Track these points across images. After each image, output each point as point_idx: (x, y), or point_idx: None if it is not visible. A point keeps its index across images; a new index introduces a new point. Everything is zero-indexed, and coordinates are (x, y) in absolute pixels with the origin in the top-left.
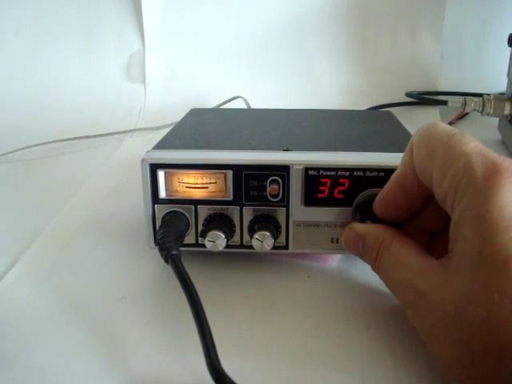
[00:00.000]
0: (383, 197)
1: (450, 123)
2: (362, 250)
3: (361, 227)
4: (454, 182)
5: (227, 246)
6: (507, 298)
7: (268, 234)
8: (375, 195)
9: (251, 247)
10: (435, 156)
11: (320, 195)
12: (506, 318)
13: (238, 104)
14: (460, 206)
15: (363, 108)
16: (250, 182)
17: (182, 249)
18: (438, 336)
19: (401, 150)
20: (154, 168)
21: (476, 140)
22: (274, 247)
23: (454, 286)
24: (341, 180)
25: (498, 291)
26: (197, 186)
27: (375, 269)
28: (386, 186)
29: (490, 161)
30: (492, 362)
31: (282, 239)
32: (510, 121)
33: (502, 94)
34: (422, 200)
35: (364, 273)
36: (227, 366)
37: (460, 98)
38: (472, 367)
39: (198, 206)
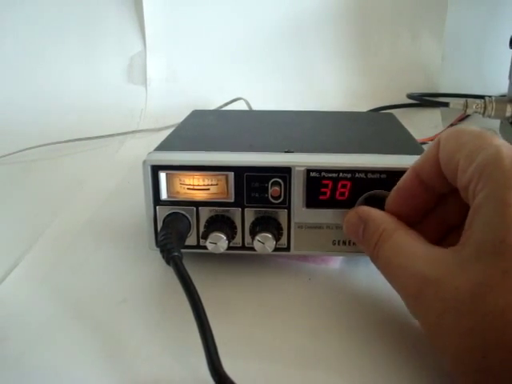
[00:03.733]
0: (399, 186)
1: (451, 125)
2: (361, 235)
3: (364, 212)
4: (480, 167)
5: (229, 248)
6: None
7: (269, 235)
8: (378, 195)
9: (253, 249)
10: (465, 146)
11: (322, 197)
12: None
13: (240, 106)
14: (484, 191)
15: (364, 110)
16: (251, 183)
17: (183, 250)
18: (446, 326)
19: (403, 152)
20: (156, 169)
21: None
22: (276, 249)
23: (470, 274)
24: (342, 182)
25: None
26: (198, 187)
27: (373, 257)
28: (402, 178)
29: None
30: (505, 353)
31: (283, 241)
32: (511, 123)
33: (504, 95)
34: (436, 197)
35: (366, 275)
36: (229, 368)
37: (461, 100)
38: (483, 359)
39: (200, 208)
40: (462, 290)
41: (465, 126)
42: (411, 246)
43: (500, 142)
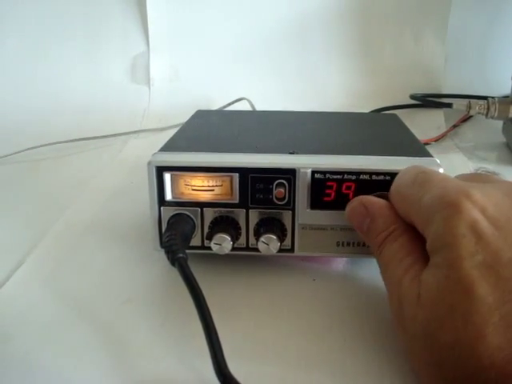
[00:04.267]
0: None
1: (454, 126)
2: (366, 228)
3: (373, 206)
4: (424, 217)
5: (233, 249)
6: (472, 323)
7: (274, 236)
8: (383, 197)
9: (257, 250)
10: (406, 200)
11: (326, 198)
12: (473, 344)
13: (243, 106)
14: (430, 236)
15: (367, 110)
16: (256, 184)
17: (187, 251)
18: (415, 353)
19: (408, 154)
20: (161, 170)
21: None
22: (280, 250)
23: (423, 309)
24: (347, 183)
25: (463, 316)
26: (203, 188)
27: (376, 254)
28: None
29: (451, 190)
30: None
31: (287, 242)
32: None
33: (507, 96)
34: None
35: (370, 276)
36: (234, 369)
37: (464, 101)
38: None
39: (204, 209)
40: (418, 322)
41: (404, 169)
42: (407, 253)
43: (431, 184)
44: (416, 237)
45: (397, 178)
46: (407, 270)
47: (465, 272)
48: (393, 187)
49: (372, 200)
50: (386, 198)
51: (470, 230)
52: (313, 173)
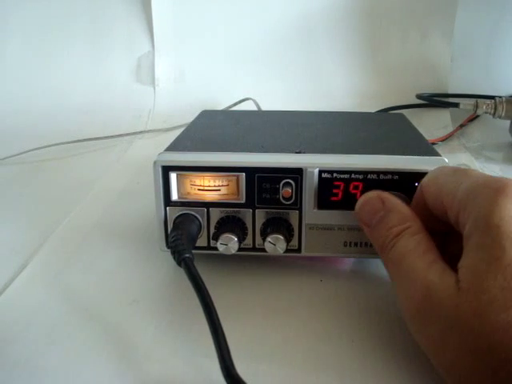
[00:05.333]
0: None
1: (461, 125)
2: (377, 221)
3: (390, 201)
4: (463, 200)
5: (239, 249)
6: None
7: (281, 237)
8: None
9: (264, 250)
10: (444, 186)
11: (333, 198)
12: None
13: (248, 106)
14: (471, 218)
15: (373, 110)
16: (262, 184)
17: (193, 251)
18: (451, 345)
19: (415, 153)
20: (166, 170)
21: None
22: (287, 250)
23: (467, 294)
24: (354, 183)
25: None
26: (209, 188)
27: (386, 248)
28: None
29: (494, 178)
30: None
31: (294, 242)
32: None
33: None
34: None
35: (378, 276)
36: (241, 370)
37: (471, 101)
38: (494, 376)
39: (210, 209)
40: (463, 308)
41: (441, 166)
42: (427, 248)
43: (473, 172)
44: (432, 239)
45: (432, 171)
46: (431, 264)
47: None
48: (427, 178)
49: (390, 196)
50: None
51: None
52: (320, 172)
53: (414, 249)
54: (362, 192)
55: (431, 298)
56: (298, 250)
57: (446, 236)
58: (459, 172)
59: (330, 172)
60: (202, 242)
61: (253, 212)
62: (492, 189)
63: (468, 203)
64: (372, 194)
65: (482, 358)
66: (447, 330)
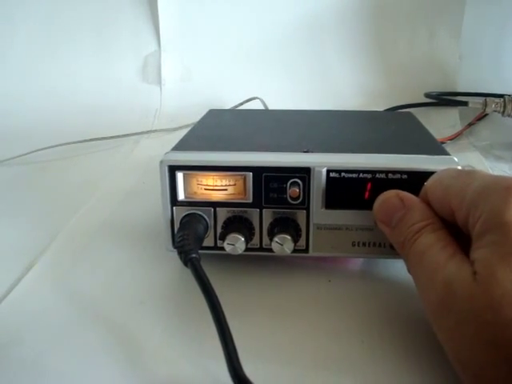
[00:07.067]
0: None
1: (470, 124)
2: (397, 219)
3: (410, 199)
4: (475, 200)
5: (246, 249)
6: None
7: (288, 237)
8: None
9: (271, 250)
10: (450, 188)
11: (341, 198)
12: None
13: (255, 105)
14: (483, 216)
15: (381, 109)
16: (269, 184)
17: (200, 251)
18: (468, 338)
19: (424, 152)
20: (173, 170)
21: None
22: (294, 250)
23: (482, 286)
24: (363, 182)
25: None
26: (216, 188)
27: (407, 246)
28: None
29: (504, 177)
30: None
31: (302, 242)
32: None
33: None
34: None
35: (387, 276)
36: (249, 371)
37: (479, 99)
38: (510, 370)
39: (217, 209)
40: (478, 300)
41: (445, 169)
42: (447, 247)
43: (481, 172)
44: (452, 235)
45: (435, 174)
46: (452, 256)
47: None
48: (431, 180)
49: (408, 194)
50: None
51: None
52: (328, 171)
53: (435, 243)
54: (371, 191)
55: (450, 289)
56: (306, 250)
57: None
58: (464, 174)
59: (338, 171)
60: (208, 241)
61: (260, 212)
62: (503, 187)
63: (480, 202)
64: (390, 194)
65: (497, 351)
66: (464, 322)
